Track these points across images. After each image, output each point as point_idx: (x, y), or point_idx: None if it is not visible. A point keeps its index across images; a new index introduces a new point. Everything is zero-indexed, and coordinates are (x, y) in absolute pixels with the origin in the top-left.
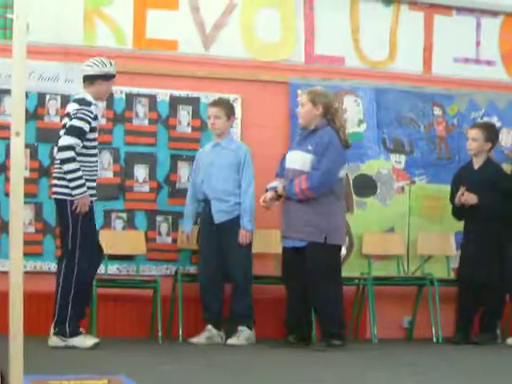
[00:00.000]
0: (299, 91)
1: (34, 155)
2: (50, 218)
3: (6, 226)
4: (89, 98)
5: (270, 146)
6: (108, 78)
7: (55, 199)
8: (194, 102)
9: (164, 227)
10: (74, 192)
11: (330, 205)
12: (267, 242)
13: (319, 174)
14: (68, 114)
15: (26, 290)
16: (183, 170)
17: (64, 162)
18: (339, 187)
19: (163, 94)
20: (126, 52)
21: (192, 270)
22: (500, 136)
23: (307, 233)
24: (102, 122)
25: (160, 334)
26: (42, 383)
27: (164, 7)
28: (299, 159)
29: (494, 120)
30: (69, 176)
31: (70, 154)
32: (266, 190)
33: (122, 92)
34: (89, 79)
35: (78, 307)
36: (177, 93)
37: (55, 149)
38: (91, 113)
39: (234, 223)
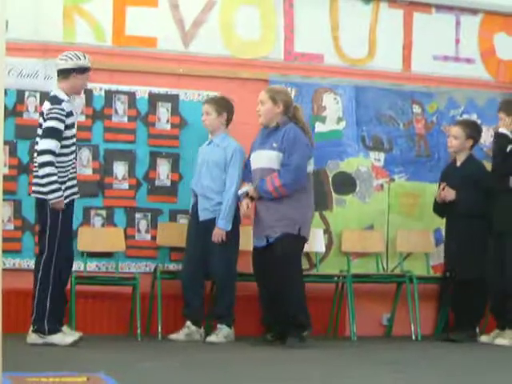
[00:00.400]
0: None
1: (13, 152)
2: (30, 215)
3: None
4: (61, 95)
5: (250, 142)
6: (83, 71)
7: (36, 198)
8: (173, 99)
9: (143, 224)
10: (48, 196)
11: (301, 199)
12: (245, 239)
13: (291, 170)
14: (42, 114)
15: (5, 287)
16: (162, 167)
17: (41, 165)
18: (308, 181)
19: (142, 91)
20: (106, 49)
21: (171, 267)
22: None
23: (282, 226)
24: (81, 118)
25: (139, 331)
26: (20, 381)
27: (143, 4)
28: (264, 157)
29: (474, 118)
30: (44, 180)
31: (47, 157)
32: (238, 199)
33: (101, 89)
34: (63, 73)
35: (57, 305)
36: (156, 90)
37: (35, 146)
38: (63, 110)
39: (215, 222)
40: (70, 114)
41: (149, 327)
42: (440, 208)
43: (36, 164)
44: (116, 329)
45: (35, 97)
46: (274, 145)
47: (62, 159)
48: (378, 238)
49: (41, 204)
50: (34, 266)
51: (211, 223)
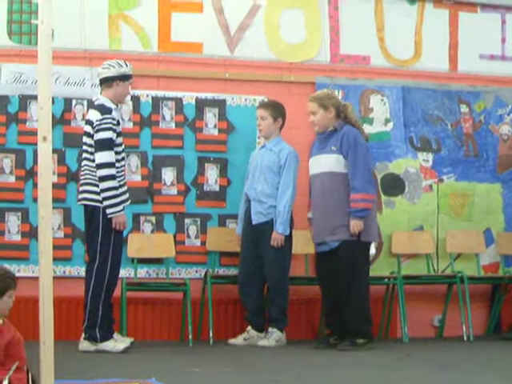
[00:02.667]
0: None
1: (61, 160)
2: (79, 222)
3: (36, 232)
4: (108, 103)
5: (297, 146)
6: (125, 78)
7: (85, 205)
8: (220, 104)
9: (192, 230)
10: (109, 210)
11: None
12: (297, 243)
13: (360, 176)
14: (90, 123)
15: (56, 294)
16: (210, 172)
17: (103, 179)
18: None
19: (189, 97)
20: (152, 56)
21: (221, 272)
22: None
23: (341, 233)
24: (129, 125)
25: (190, 336)
26: None
27: (188, 10)
28: (324, 162)
29: None
30: (106, 194)
31: (109, 171)
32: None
33: (148, 96)
34: (106, 81)
35: (108, 312)
36: (203, 95)
37: (83, 154)
38: (114, 119)
39: (268, 225)
40: (118, 123)
41: (200, 332)
42: None
43: (83, 172)
44: (167, 335)
45: (82, 105)
46: (333, 148)
47: (116, 164)
48: (427, 239)
49: (91, 211)
50: (84, 274)
51: (265, 227)
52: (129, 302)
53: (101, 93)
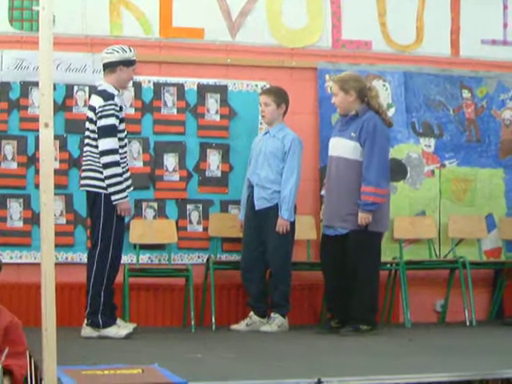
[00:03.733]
0: (328, 76)
1: (63, 146)
2: (81, 208)
3: (38, 218)
4: (111, 89)
5: (300, 131)
6: (129, 64)
7: (87, 191)
8: (221, 90)
9: (195, 215)
10: (114, 197)
11: None
12: (300, 229)
13: (374, 169)
14: (93, 109)
15: (58, 281)
16: (212, 158)
17: (107, 166)
18: None
19: (191, 83)
20: (153, 41)
21: (223, 257)
22: None
23: (351, 221)
24: (131, 111)
25: (193, 322)
26: (75, 374)
27: None
28: (341, 146)
29: None
30: (111, 180)
31: (113, 158)
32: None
33: (149, 81)
34: (109, 67)
35: (110, 298)
36: (204, 81)
37: (86, 140)
38: (116, 105)
39: (272, 211)
40: (121, 109)
41: (202, 318)
42: None
43: (85, 158)
44: (170, 320)
45: (84, 91)
46: (353, 134)
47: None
48: (429, 224)
49: (93, 197)
50: (86, 260)
51: (268, 212)
52: (131, 288)
53: (103, 78)
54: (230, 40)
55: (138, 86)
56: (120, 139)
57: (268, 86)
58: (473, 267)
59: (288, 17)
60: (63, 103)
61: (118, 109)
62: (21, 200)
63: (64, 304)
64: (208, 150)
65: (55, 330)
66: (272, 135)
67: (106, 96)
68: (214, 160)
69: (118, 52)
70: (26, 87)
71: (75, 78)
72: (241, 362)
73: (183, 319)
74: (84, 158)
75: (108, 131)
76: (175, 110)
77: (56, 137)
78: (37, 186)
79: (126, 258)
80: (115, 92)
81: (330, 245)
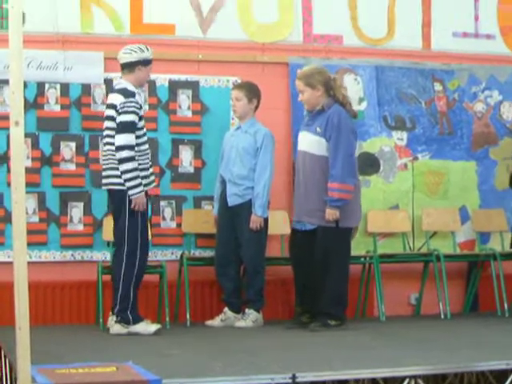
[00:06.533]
0: (299, 71)
1: (35, 144)
2: (54, 206)
3: (10, 216)
4: (131, 87)
5: (272, 127)
6: (146, 63)
7: (109, 190)
8: (193, 86)
9: (168, 212)
10: (130, 192)
11: None
12: (273, 224)
13: (339, 164)
14: (113, 106)
15: (32, 279)
16: (185, 153)
17: (122, 161)
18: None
19: (162, 79)
20: (124, 38)
21: (197, 253)
22: (501, 109)
23: (318, 217)
24: (101, 108)
25: (167, 318)
26: (49, 372)
27: None
28: (307, 141)
29: (495, 94)
30: (126, 175)
31: (128, 153)
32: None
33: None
34: (128, 67)
35: (137, 295)
36: (176, 77)
37: (105, 139)
38: (137, 103)
39: (245, 207)
40: (141, 107)
41: (177, 315)
42: None
43: (106, 157)
44: (144, 317)
45: (55, 88)
46: (318, 129)
47: (139, 148)
48: (403, 218)
49: (118, 197)
50: (60, 258)
51: (240, 208)
52: (104, 286)
53: (122, 77)
54: (202, 36)
55: (109, 84)
56: (139, 137)
57: (240, 81)
58: (447, 260)
59: (259, 12)
60: (35, 101)
61: (138, 106)
62: None
63: (39, 303)
64: (180, 146)
65: (29, 328)
66: (244, 130)
67: (127, 93)
68: (186, 156)
69: (136, 52)
70: None
71: (46, 75)
72: (215, 357)
73: (158, 316)
74: (104, 158)
75: (127, 127)
76: (147, 107)
77: (28, 135)
78: (9, 185)
79: (100, 256)
80: (135, 90)
81: (299, 239)
